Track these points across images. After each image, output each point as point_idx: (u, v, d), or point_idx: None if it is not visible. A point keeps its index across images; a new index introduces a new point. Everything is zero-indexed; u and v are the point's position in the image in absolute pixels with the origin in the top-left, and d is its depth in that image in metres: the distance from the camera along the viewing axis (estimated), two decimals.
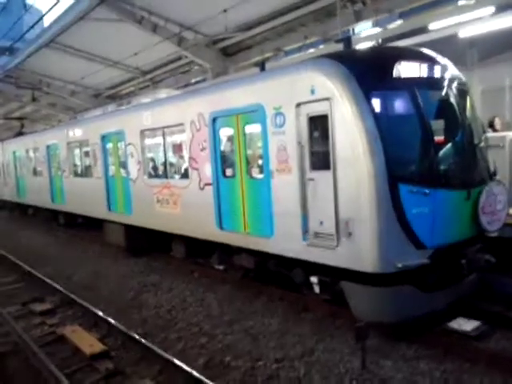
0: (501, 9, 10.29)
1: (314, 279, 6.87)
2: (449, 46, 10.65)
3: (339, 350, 6.17)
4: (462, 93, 6.71)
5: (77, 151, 14.81)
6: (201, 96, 8.99)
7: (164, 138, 10.16)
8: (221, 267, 9.73)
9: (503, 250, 6.92)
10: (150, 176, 10.86)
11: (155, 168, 11.00)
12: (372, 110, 5.81)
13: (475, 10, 10.67)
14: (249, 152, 7.79)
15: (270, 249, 7.38)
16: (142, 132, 10.75)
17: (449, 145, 6.39)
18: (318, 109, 6.24)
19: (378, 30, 12.95)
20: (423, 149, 6.13)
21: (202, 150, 8.66)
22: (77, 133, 14.37)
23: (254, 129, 7.59)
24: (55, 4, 10.27)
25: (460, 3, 11.49)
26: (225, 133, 8.29)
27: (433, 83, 6.44)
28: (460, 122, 6.49)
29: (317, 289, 6.91)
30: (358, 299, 6.30)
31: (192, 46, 16.76)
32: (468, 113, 6.72)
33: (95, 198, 13.18)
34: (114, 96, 25.94)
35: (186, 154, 9.36)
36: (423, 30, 11.57)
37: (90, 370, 6.23)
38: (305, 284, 7.24)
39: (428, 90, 6.32)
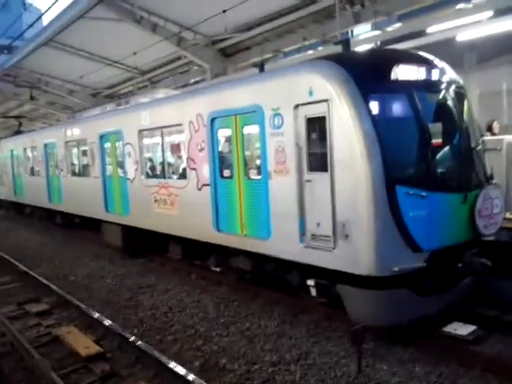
0: (499, 13, 10.33)
1: (310, 282, 6.85)
2: (447, 49, 10.67)
3: (335, 353, 6.14)
4: (460, 96, 6.72)
5: (75, 150, 14.75)
6: (199, 96, 8.98)
7: (162, 138, 10.13)
8: (217, 269, 9.71)
9: (499, 254, 6.94)
10: (148, 176, 10.82)
11: (153, 168, 10.96)
12: (370, 112, 5.81)
13: (473, 14, 10.71)
14: (247, 153, 7.77)
15: (266, 251, 7.36)
16: (140, 132, 10.71)
17: (446, 148, 6.38)
18: (316, 110, 6.23)
19: (376, 32, 12.97)
20: (420, 151, 6.13)
21: (200, 150, 8.63)
22: (75, 132, 14.32)
23: (252, 130, 7.57)
24: (54, 2, 10.24)
25: (458, 7, 11.51)
26: (223, 133, 8.26)
27: (431, 86, 6.44)
28: (457, 126, 6.49)
29: (313, 292, 6.88)
30: (354, 302, 6.29)
31: (191, 46, 16.75)
32: (465, 116, 6.72)
33: (93, 197, 13.11)
34: (112, 95, 25.91)
35: (184, 154, 9.33)
36: (422, 33, 11.60)
37: (85, 371, 6.19)
38: (302, 287, 7.22)
39: (426, 93, 6.32)
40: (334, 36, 13.89)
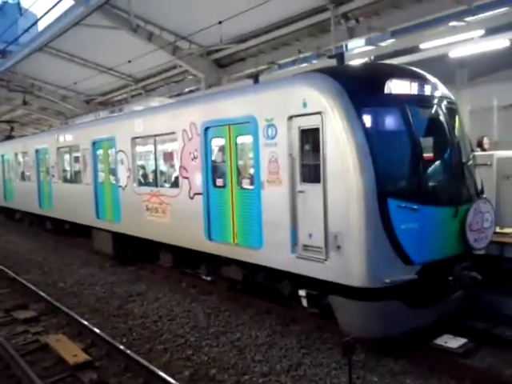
0: (490, 31, 10.55)
1: (302, 292, 6.85)
2: (439, 65, 10.85)
3: (326, 365, 6.13)
4: (452, 111, 6.82)
5: (67, 156, 14.69)
6: (194, 105, 9.01)
7: (155, 146, 10.14)
8: (208, 278, 9.67)
9: (489, 268, 6.99)
10: (140, 184, 10.79)
11: (145, 176, 10.94)
12: (363, 125, 5.87)
13: (466, 32, 10.92)
14: (240, 163, 7.79)
15: (258, 260, 7.35)
16: (133, 139, 10.71)
17: (438, 162, 6.47)
18: (309, 122, 6.29)
19: (370, 47, 13.15)
20: (412, 165, 6.21)
21: (193, 159, 8.65)
22: (67, 138, 14.27)
23: (245, 140, 7.61)
24: (51, 9, 10.26)
25: (451, 24, 11.73)
26: (216, 143, 8.29)
27: (423, 101, 6.53)
28: (449, 140, 6.58)
29: (305, 302, 6.89)
30: (345, 313, 6.29)
31: (186, 56, 16.81)
32: (457, 131, 6.82)
33: (84, 204, 13.03)
34: (105, 102, 25.86)
35: (176, 162, 9.33)
36: (415, 49, 11.79)
37: (73, 380, 6.09)
38: (293, 297, 7.22)
39: (418, 108, 6.40)
40: (328, 49, 14.05)
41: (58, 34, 17.43)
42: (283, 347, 6.70)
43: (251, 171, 7.56)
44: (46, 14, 11.68)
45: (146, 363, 6.10)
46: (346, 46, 15.15)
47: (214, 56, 17.50)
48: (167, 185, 10.03)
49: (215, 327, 7.61)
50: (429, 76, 6.88)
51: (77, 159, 13.82)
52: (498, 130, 12.47)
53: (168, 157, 10.09)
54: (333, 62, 7.55)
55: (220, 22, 12.79)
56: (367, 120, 5.97)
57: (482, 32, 10.71)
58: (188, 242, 9.04)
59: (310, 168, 6.36)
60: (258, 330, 7.37)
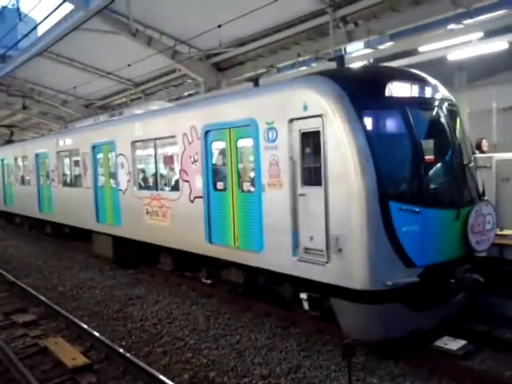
0: (489, 34, 10.58)
1: (303, 295, 6.81)
2: (438, 68, 10.86)
3: (326, 367, 6.09)
4: (453, 113, 6.80)
5: (66, 160, 14.65)
6: (194, 109, 8.98)
7: (155, 150, 10.11)
8: (208, 281, 9.61)
9: (490, 270, 6.97)
10: (140, 187, 10.76)
11: (145, 179, 10.91)
12: (364, 128, 5.85)
13: (464, 35, 10.96)
14: (240, 166, 7.76)
15: (259, 264, 7.31)
16: (133, 143, 10.68)
17: (439, 164, 6.44)
18: (310, 125, 6.27)
19: (369, 50, 13.18)
20: (414, 167, 6.18)
21: (194, 162, 8.62)
22: (67, 142, 14.24)
23: (246, 143, 7.59)
24: (50, 13, 10.28)
25: (449, 27, 11.77)
26: (217, 146, 8.27)
27: (424, 103, 6.51)
28: (450, 142, 6.56)
29: (306, 305, 6.84)
30: (347, 316, 6.25)
31: (186, 60, 16.85)
32: (458, 133, 6.80)
33: (84, 208, 12.99)
34: (105, 106, 25.89)
35: (177, 166, 9.30)
36: (413, 52, 11.82)
37: (71, 383, 6.05)
38: (294, 300, 7.18)
39: (419, 110, 6.39)
40: (327, 53, 14.09)
41: (57, 39, 17.45)
42: (283, 350, 6.67)
43: (252, 174, 7.53)
44: (45, 18, 11.69)
45: (145, 366, 6.07)
46: (345, 49, 15.18)
47: (213, 60, 17.52)
48: (167, 188, 10.00)
49: (215, 330, 7.57)
50: (429, 78, 6.86)
51: (77, 163, 13.79)
52: (496, 132, 12.50)
53: (168, 160, 10.06)
54: (333, 65, 7.52)
55: (219, 26, 12.84)
56: (368, 123, 5.95)
57: (480, 35, 10.75)
58: (188, 246, 8.99)
59: (311, 171, 6.33)
60: (258, 332, 7.34)
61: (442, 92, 6.87)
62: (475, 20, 11.31)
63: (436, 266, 6.06)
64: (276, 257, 6.93)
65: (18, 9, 16.94)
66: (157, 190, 10.09)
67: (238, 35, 15.35)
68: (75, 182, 14.09)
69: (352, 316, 6.17)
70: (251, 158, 7.46)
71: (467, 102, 12.33)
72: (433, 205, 6.06)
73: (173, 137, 9.23)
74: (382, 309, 5.90)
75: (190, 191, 8.80)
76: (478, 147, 10.34)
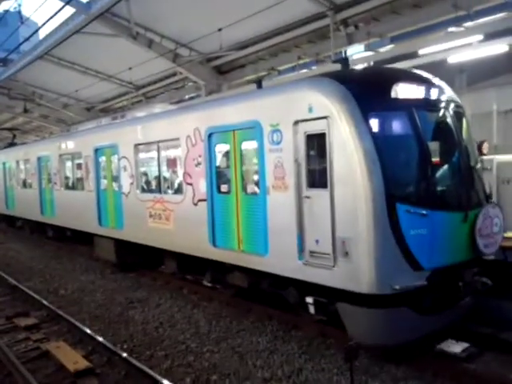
0: (489, 36, 10.59)
1: (309, 299, 6.70)
2: (438, 70, 10.83)
3: (328, 370, 6.07)
4: (459, 115, 6.71)
5: (69, 164, 14.54)
6: (197, 111, 8.90)
7: (158, 153, 10.00)
8: (209, 284, 9.52)
9: (497, 273, 6.87)
10: (143, 190, 10.65)
11: (148, 182, 10.80)
12: (370, 129, 5.77)
13: (464, 38, 10.97)
14: (245, 168, 7.66)
15: (264, 267, 7.20)
16: (136, 146, 10.58)
17: (446, 166, 6.35)
18: (315, 127, 6.18)
19: (370, 53, 13.20)
20: (421, 170, 6.09)
21: (197, 165, 8.52)
22: (69, 145, 14.14)
23: (250, 145, 7.50)
24: (51, 17, 10.29)
25: (450, 30, 11.78)
26: (221, 148, 8.17)
27: (430, 105, 6.43)
28: (457, 144, 6.47)
29: (312, 309, 6.74)
30: (353, 320, 6.14)
31: (186, 63, 16.85)
32: (464, 135, 6.70)
33: (86, 211, 12.88)
34: (106, 110, 25.87)
35: (180, 168, 9.20)
36: (414, 54, 11.83)
37: None
38: (299, 304, 7.07)
39: (425, 112, 6.30)
40: (327, 56, 14.11)
41: (58, 42, 17.43)
42: (285, 353, 6.63)
43: (256, 177, 7.43)
44: (46, 22, 11.70)
45: (147, 370, 6.04)
46: (346, 52, 15.20)
47: (213, 63, 17.47)
48: (171, 191, 9.88)
49: (216, 333, 7.54)
50: (435, 79, 6.78)
51: (79, 166, 13.68)
52: (497, 134, 12.49)
53: (171, 163, 9.96)
54: (337, 67, 7.42)
55: (220, 29, 12.85)
56: (374, 124, 5.86)
57: (480, 37, 10.75)
58: (192, 249, 8.88)
59: (317, 173, 6.24)
60: (260, 335, 7.30)
61: (448, 93, 6.78)
62: (475, 23, 11.31)
63: (444, 269, 5.96)
64: (281, 260, 6.82)
65: (19, 12, 16.97)
66: (160, 193, 9.97)
67: (239, 38, 15.32)
68: (77, 185, 13.98)
69: (358, 320, 6.06)
70: (255, 161, 7.36)
71: (467, 104, 12.25)
72: (440, 207, 5.97)
73: (176, 139, 9.12)
74: (388, 313, 5.80)
75: (194, 194, 8.69)
76: (479, 149, 10.34)
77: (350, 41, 13.47)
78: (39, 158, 16.47)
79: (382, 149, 5.70)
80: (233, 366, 6.33)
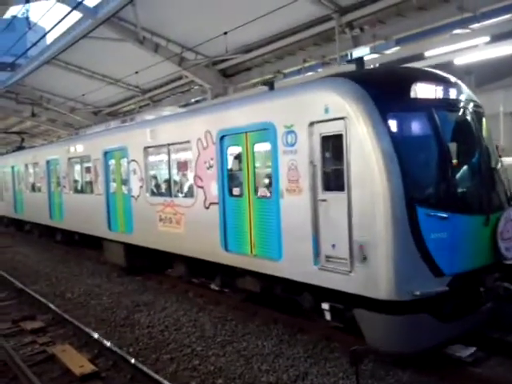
0: (496, 38, 10.52)
1: (325, 306, 6.43)
2: (445, 72, 10.81)
3: (333, 374, 5.88)
4: (478, 115, 6.44)
5: (78, 167, 14.32)
6: (209, 113, 8.66)
7: (168, 156, 9.76)
8: (216, 288, 9.36)
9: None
10: (153, 194, 10.37)
11: (158, 186, 10.53)
12: (389, 130, 5.52)
13: (471, 39, 10.91)
14: (257, 171, 7.41)
15: (277, 272, 6.93)
16: (146, 149, 10.33)
17: (467, 168, 6.08)
18: (332, 128, 5.93)
19: (375, 56, 13.16)
20: (441, 171, 5.83)
21: (209, 168, 8.28)
22: (78, 148, 13.92)
23: (263, 147, 7.25)
24: (59, 22, 10.37)
25: (456, 32, 11.72)
26: (233, 151, 7.93)
27: (450, 105, 6.16)
28: (477, 145, 6.19)
29: (328, 316, 6.46)
30: (372, 327, 5.86)
31: (192, 67, 16.87)
32: (485, 135, 6.44)
33: (95, 215, 12.64)
34: (113, 113, 25.91)
35: (191, 171, 8.96)
36: (419, 56, 11.78)
37: None
38: (314, 309, 6.83)
39: (445, 112, 6.04)
40: (333, 58, 14.10)
41: (66, 47, 17.47)
42: (290, 357, 6.49)
43: (269, 180, 7.18)
44: (54, 27, 11.78)
45: (152, 374, 5.93)
46: (351, 54, 15.18)
47: (219, 66, 17.37)
48: (181, 195, 9.62)
49: (222, 337, 7.38)
50: (454, 79, 6.53)
51: (88, 169, 13.45)
52: (504, 136, 12.40)
53: (182, 166, 9.70)
54: (350, 67, 7.20)
55: (225, 33, 12.83)
56: (393, 125, 5.61)
57: (487, 39, 10.69)
58: (203, 253, 8.62)
59: (333, 176, 5.98)
60: (265, 339, 7.15)
61: (467, 93, 6.52)
62: (482, 24, 11.24)
63: (465, 274, 5.68)
64: (295, 265, 6.54)
65: (27, 18, 17.12)
66: (170, 196, 9.71)
67: (244, 42, 15.26)
68: (86, 188, 13.74)
69: (376, 327, 5.78)
70: (269, 163, 7.11)
71: None
72: (461, 210, 5.71)
73: (187, 142, 8.88)
74: (408, 320, 5.53)
75: (205, 197, 8.44)
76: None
77: (356, 43, 13.38)
78: (48, 162, 16.26)
79: (402, 150, 5.47)
80: (238, 369, 6.22)
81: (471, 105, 6.42)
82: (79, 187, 14.44)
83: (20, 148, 22.25)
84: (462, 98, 6.37)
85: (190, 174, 9.10)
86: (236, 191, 7.79)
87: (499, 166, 6.56)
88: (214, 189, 8.21)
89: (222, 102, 9.51)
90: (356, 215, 5.66)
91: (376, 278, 5.49)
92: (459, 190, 5.96)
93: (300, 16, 13.27)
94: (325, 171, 6.13)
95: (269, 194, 7.16)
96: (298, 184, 6.45)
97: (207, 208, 8.42)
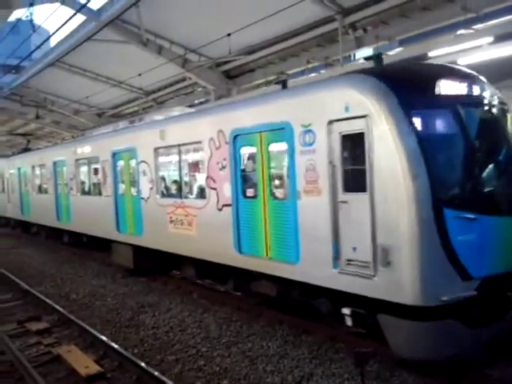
0: (499, 38, 10.49)
1: (346, 311, 6.10)
2: None
3: (338, 375, 5.76)
4: (503, 112, 6.15)
5: (85, 168, 13.98)
6: (221, 113, 8.34)
7: (179, 156, 9.45)
8: (222, 289, 9.21)
9: None
10: (164, 195, 10.04)
11: (169, 187, 10.19)
12: (414, 128, 5.22)
13: (474, 40, 10.88)
14: (273, 172, 7.10)
15: (295, 276, 6.62)
16: (156, 149, 10.01)
17: (495, 167, 5.77)
18: (352, 127, 5.63)
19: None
20: (469, 171, 5.54)
21: (222, 168, 7.99)
22: (86, 149, 13.59)
23: (279, 147, 6.95)
24: (63, 25, 10.39)
25: (459, 32, 11.69)
26: (247, 151, 7.63)
27: (475, 101, 5.86)
28: (505, 143, 5.90)
29: (349, 321, 6.13)
30: (396, 334, 5.53)
31: (196, 68, 16.85)
32: (511, 132, 6.13)
33: (103, 217, 12.33)
34: (117, 115, 25.83)
35: (203, 172, 8.65)
36: (423, 57, 11.75)
37: None
38: (332, 314, 6.53)
39: (471, 109, 5.74)
40: (336, 59, 14.08)
41: (70, 49, 17.45)
42: (295, 358, 6.38)
43: (285, 180, 6.87)
44: (58, 30, 11.82)
45: (157, 374, 5.85)
46: (354, 55, 15.17)
47: (222, 68, 17.14)
48: (193, 196, 9.32)
49: (227, 337, 7.27)
50: (478, 75, 6.24)
51: (96, 171, 13.15)
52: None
53: (194, 167, 9.42)
54: (366, 65, 6.95)
55: (229, 35, 12.78)
56: (418, 123, 5.31)
57: (490, 39, 10.65)
58: (216, 256, 8.31)
59: (354, 176, 5.66)
60: (270, 340, 7.05)
61: (491, 89, 6.21)
62: (485, 25, 11.21)
63: (494, 277, 5.36)
64: (314, 269, 6.23)
65: (31, 21, 17.20)
66: (181, 197, 9.40)
67: (248, 43, 15.11)
68: (94, 190, 13.41)
69: (402, 333, 5.46)
70: (285, 163, 6.81)
71: None
72: (490, 211, 5.40)
73: (199, 142, 8.58)
74: (435, 326, 5.22)
75: (218, 199, 8.13)
76: None
77: (359, 44, 13.24)
78: (55, 163, 15.95)
79: (427, 149, 5.16)
80: (243, 370, 6.11)
81: (496, 101, 6.12)
82: (87, 189, 14.10)
83: (26, 150, 22.17)
84: (487, 94, 6.05)
85: (202, 175, 8.78)
86: (250, 192, 7.49)
87: None
88: (227, 190, 7.91)
89: (236, 100, 9.15)
90: (379, 217, 5.34)
91: (401, 283, 5.18)
92: (487, 190, 5.64)
93: (303, 17, 13.15)
94: (345, 171, 5.82)
95: (285, 196, 6.85)
96: (316, 185, 6.15)
97: (220, 210, 8.13)
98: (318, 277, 6.28)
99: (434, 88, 5.56)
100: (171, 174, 10.23)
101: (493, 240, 5.42)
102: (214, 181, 8.30)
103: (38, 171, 18.17)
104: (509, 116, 6.35)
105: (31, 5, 14.82)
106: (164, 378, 5.82)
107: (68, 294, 10.75)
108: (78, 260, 14.86)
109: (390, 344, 5.69)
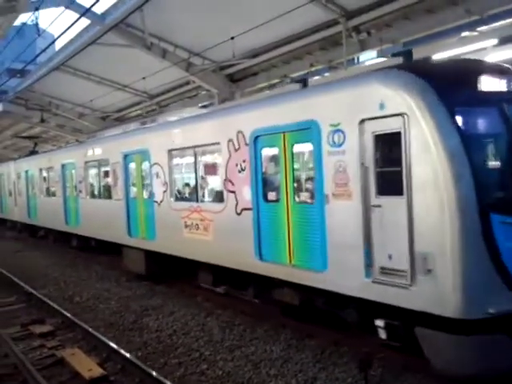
0: (504, 41, 10.45)
1: (379, 322, 5.63)
2: None
3: (342, 379, 5.64)
4: None
5: (95, 171, 13.43)
6: (241, 112, 7.86)
7: (195, 158, 8.97)
8: (221, 291, 9.03)
9: None
10: (178, 199, 9.54)
11: (184, 190, 9.70)
12: (457, 127, 4.79)
13: (478, 42, 10.83)
14: (297, 174, 6.64)
15: (321, 284, 6.16)
16: (170, 151, 9.50)
17: None
18: (388, 126, 5.19)
19: (382, 59, 13.11)
20: None
21: (241, 171, 7.53)
22: (96, 152, 13.06)
23: (304, 148, 6.53)
24: (67, 29, 10.43)
25: (463, 34, 11.66)
26: (268, 152, 7.18)
27: None
28: None
29: (383, 334, 5.66)
30: (437, 349, 5.05)
31: (199, 72, 16.83)
32: None
33: (114, 221, 11.78)
34: (121, 119, 25.71)
35: (220, 175, 8.17)
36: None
37: None
38: (360, 325, 6.10)
39: None
40: (340, 62, 14.06)
41: (74, 53, 17.44)
42: (298, 362, 6.26)
43: (311, 183, 6.40)
44: (62, 33, 11.87)
45: (161, 378, 5.74)
46: (358, 58, 15.16)
47: (226, 71, 16.84)
48: (209, 200, 8.85)
49: (230, 341, 7.16)
50: None
51: (106, 173, 12.61)
52: None
53: (211, 169, 9.00)
54: (393, 61, 6.52)
55: (232, 38, 12.74)
56: (461, 121, 4.90)
57: (495, 41, 10.61)
58: (234, 262, 7.82)
59: (389, 179, 5.23)
60: (273, 344, 6.90)
61: None
62: (489, 27, 11.16)
63: None
64: (343, 277, 5.77)
65: (36, 25, 17.30)
66: (197, 201, 8.90)
67: (251, 46, 14.89)
68: (104, 193, 12.86)
69: (443, 348, 4.99)
70: (311, 165, 6.34)
71: None
72: None
73: (216, 144, 8.11)
74: (482, 341, 4.76)
75: (237, 203, 7.66)
76: None
77: (363, 47, 13.06)
78: (63, 166, 15.42)
79: (472, 150, 4.73)
80: (246, 374, 6.00)
81: None
82: (97, 192, 13.54)
83: (33, 152, 22.05)
84: None
85: (220, 178, 8.27)
86: (272, 196, 7.03)
87: None
88: (246, 193, 7.43)
89: (257, 99, 8.65)
90: (418, 222, 4.87)
91: (443, 293, 4.72)
92: None
93: (307, 21, 12.99)
94: (378, 173, 5.33)
95: (311, 199, 6.36)
96: (346, 188, 5.68)
97: (239, 214, 7.65)
98: (348, 286, 5.80)
99: (476, 84, 5.14)
100: (186, 176, 9.74)
101: None
102: (232, 184, 7.82)
103: (45, 174, 17.63)
104: None
105: (36, 9, 14.87)
106: (167, 382, 5.76)
107: (72, 296, 10.57)
108: (83, 263, 14.52)
109: (430, 359, 5.22)
